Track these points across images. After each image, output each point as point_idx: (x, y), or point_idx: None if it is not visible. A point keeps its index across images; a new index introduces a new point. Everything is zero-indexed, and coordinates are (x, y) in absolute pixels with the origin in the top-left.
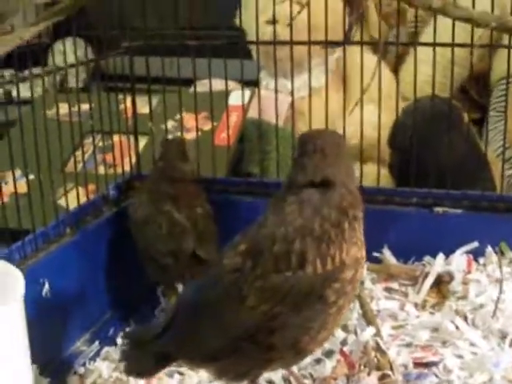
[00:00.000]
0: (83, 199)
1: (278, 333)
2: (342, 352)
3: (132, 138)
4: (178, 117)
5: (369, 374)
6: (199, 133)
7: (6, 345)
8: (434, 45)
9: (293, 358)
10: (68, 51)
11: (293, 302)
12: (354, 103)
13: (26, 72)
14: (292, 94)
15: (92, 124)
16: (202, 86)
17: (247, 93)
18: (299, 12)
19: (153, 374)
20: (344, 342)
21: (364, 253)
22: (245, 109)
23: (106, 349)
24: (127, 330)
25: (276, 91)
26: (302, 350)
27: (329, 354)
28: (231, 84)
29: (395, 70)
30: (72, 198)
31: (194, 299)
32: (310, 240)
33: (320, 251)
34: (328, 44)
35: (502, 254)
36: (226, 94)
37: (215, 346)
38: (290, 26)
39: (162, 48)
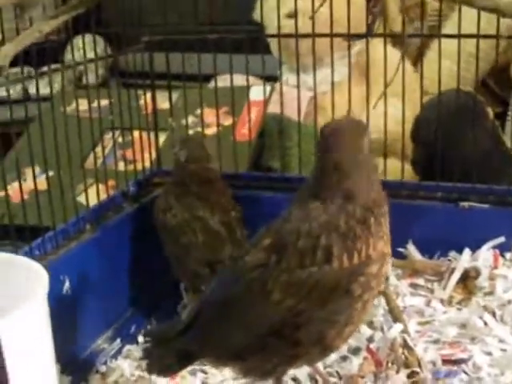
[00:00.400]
0: (103, 196)
1: (303, 328)
2: (368, 349)
3: (152, 134)
4: (198, 112)
5: (397, 372)
6: (220, 128)
7: (31, 342)
8: (458, 36)
9: (319, 353)
10: (86, 47)
11: (318, 296)
12: (375, 97)
13: (44, 68)
14: (314, 88)
15: (112, 120)
16: (222, 82)
17: (267, 88)
18: (321, 5)
19: (175, 372)
20: (370, 339)
21: (389, 248)
22: (265, 104)
23: (127, 347)
24: (149, 327)
25: (298, 86)
26: (328, 346)
27: (355, 351)
28: (251, 79)
29: (416, 64)
30: (92, 195)
31: (218, 296)
32: (336, 235)
33: (346, 245)
34: (350, 37)
35: None
36: (248, 88)
37: (240, 343)
38: (312, 18)
39: (182, 44)
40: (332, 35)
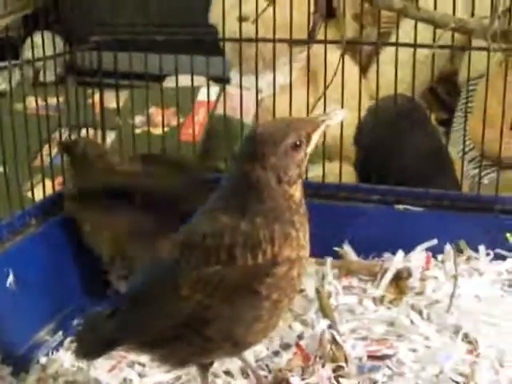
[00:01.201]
0: (50, 192)
1: (211, 323)
2: (297, 345)
3: (100, 133)
4: (145, 112)
5: (323, 366)
6: (166, 128)
7: None
8: (396, 45)
9: (231, 348)
10: (40, 45)
11: (224, 293)
12: (322, 100)
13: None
14: (256, 91)
15: (59, 118)
16: (170, 83)
17: (216, 89)
18: (264, 10)
19: (98, 356)
20: (301, 336)
21: (304, 253)
22: (211, 105)
23: (69, 339)
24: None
25: (241, 87)
26: (239, 342)
27: (286, 346)
28: (201, 80)
29: (364, 70)
30: (39, 192)
31: (137, 285)
32: (239, 235)
33: (250, 245)
34: (293, 42)
35: (460, 251)
36: (194, 88)
37: (156, 332)
38: (256, 23)
39: (132, 43)
40: (275, 40)
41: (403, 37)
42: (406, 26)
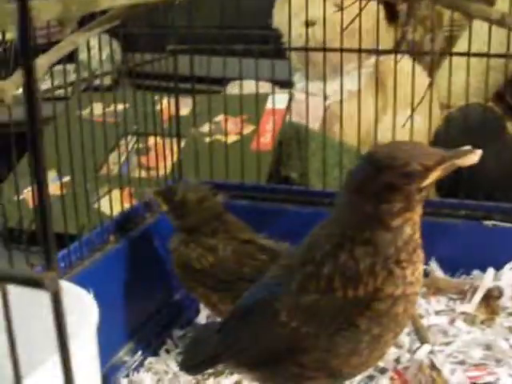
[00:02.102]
0: (123, 203)
1: (307, 352)
2: (395, 370)
3: (170, 141)
4: (215, 119)
5: None
6: (239, 137)
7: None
8: (468, 55)
9: (328, 378)
10: (94, 47)
11: (321, 323)
12: (391, 108)
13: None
14: (324, 98)
15: (135, 125)
16: (235, 87)
17: (283, 96)
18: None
19: (201, 372)
20: (398, 360)
21: (412, 290)
22: (282, 112)
23: (149, 359)
24: (169, 340)
25: (307, 94)
26: (335, 373)
27: (382, 371)
28: (268, 86)
29: (431, 75)
30: (107, 202)
31: (242, 304)
32: (338, 265)
33: (350, 277)
34: (361, 52)
35: None
36: (267, 95)
37: (254, 354)
38: (323, 30)
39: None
40: (342, 50)
41: (466, 43)
42: (474, 28)
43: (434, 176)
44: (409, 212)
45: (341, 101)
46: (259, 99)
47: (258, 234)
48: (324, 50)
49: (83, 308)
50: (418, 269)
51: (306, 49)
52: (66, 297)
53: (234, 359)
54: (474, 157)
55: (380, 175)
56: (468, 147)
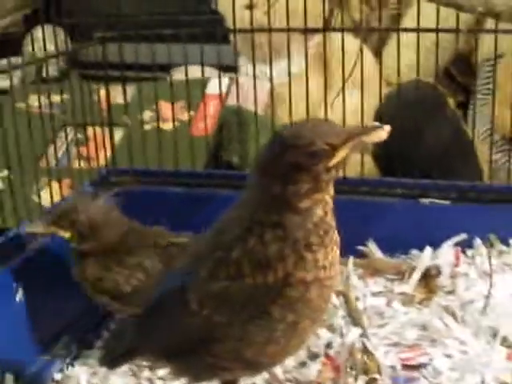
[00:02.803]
0: (57, 196)
1: (220, 342)
2: (326, 355)
3: (109, 130)
4: (154, 107)
5: (356, 379)
6: (177, 123)
7: None
8: (417, 30)
9: (244, 369)
10: (46, 39)
11: (232, 311)
12: (336, 88)
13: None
14: (271, 80)
15: (64, 117)
16: (178, 73)
17: (225, 80)
18: None
19: (119, 365)
20: (329, 345)
21: (325, 274)
22: (223, 98)
23: (84, 353)
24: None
25: (254, 78)
26: (253, 364)
27: (314, 356)
28: (209, 70)
29: (377, 54)
30: (46, 194)
31: (153, 296)
32: (247, 250)
33: (258, 262)
34: (307, 31)
35: (490, 245)
36: (205, 81)
37: (167, 345)
38: (268, 12)
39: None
40: (289, 30)
41: (412, 21)
42: (415, 8)
43: (340, 155)
44: (318, 193)
45: (289, 82)
46: (199, 84)
47: (170, 232)
48: (269, 30)
49: None
50: (332, 252)
51: (251, 30)
52: None
53: (149, 351)
54: (382, 133)
55: (285, 155)
56: (376, 123)
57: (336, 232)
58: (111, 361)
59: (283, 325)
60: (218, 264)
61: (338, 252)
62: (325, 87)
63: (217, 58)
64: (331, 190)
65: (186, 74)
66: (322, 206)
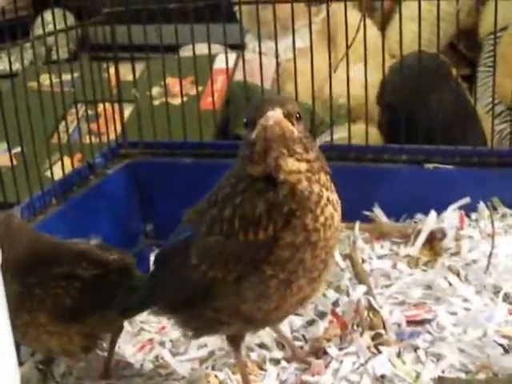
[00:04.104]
0: (69, 169)
1: (218, 297)
2: (333, 313)
3: (117, 106)
4: (163, 83)
5: (362, 334)
6: (185, 98)
7: None
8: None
9: (244, 324)
10: (56, 22)
11: (226, 266)
12: (342, 62)
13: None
14: (276, 55)
15: (75, 93)
16: (187, 52)
17: (233, 56)
18: None
19: (131, 316)
20: (336, 303)
21: (317, 237)
22: (230, 72)
23: None
24: None
25: (260, 53)
26: (249, 319)
27: (321, 315)
28: (218, 48)
29: (383, 28)
30: (58, 169)
31: (163, 251)
32: (237, 208)
33: (248, 220)
34: (311, 1)
35: (494, 209)
36: (211, 56)
37: (172, 298)
38: None
39: (145, 15)
40: (293, 1)
41: None
42: None
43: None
44: (254, 164)
45: (294, 56)
46: (207, 60)
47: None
48: (274, 2)
49: None
50: (324, 214)
51: (256, 2)
52: None
53: (157, 304)
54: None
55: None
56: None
57: (333, 195)
58: (125, 311)
59: (276, 282)
60: (214, 220)
61: (337, 214)
62: (329, 61)
63: (223, 35)
64: (308, 157)
65: (194, 50)
66: (297, 177)
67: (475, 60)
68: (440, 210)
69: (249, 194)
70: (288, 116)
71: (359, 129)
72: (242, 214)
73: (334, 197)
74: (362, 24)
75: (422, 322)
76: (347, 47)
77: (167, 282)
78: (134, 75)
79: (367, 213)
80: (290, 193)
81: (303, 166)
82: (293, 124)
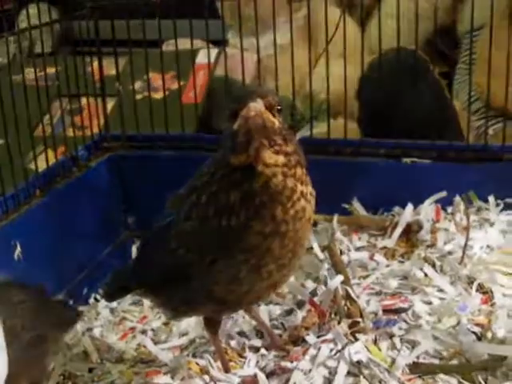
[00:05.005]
0: (53, 162)
1: (192, 279)
2: (311, 301)
3: (100, 100)
4: (145, 77)
5: (339, 322)
6: (167, 92)
7: None
8: None
9: (217, 305)
10: (35, 15)
11: (201, 249)
12: (323, 59)
13: None
14: (258, 50)
15: (59, 86)
16: (169, 46)
17: (215, 51)
18: None
19: (116, 299)
20: (314, 293)
21: (286, 227)
22: (211, 66)
23: (80, 308)
24: (100, 289)
25: (242, 48)
26: (221, 300)
27: (300, 304)
28: (200, 43)
29: (362, 24)
30: (42, 162)
31: (147, 235)
32: (212, 194)
33: (222, 206)
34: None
35: (469, 202)
36: (193, 51)
37: (153, 279)
38: None
39: (128, 10)
40: None
41: None
42: None
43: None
44: (238, 153)
45: (275, 52)
46: (189, 55)
47: None
48: None
49: None
50: (295, 207)
51: None
52: None
53: (140, 286)
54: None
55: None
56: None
57: (307, 188)
58: (110, 295)
59: (246, 266)
60: (190, 206)
61: (310, 206)
62: (309, 57)
63: (206, 31)
64: (282, 149)
65: (176, 45)
66: (273, 171)
67: (453, 57)
68: (417, 203)
69: (225, 183)
70: (269, 107)
71: (339, 124)
72: (217, 201)
73: (309, 190)
74: (342, 20)
75: (397, 311)
76: (327, 43)
77: (149, 265)
78: (118, 69)
79: (346, 205)
80: (264, 185)
81: (281, 160)
82: (274, 115)
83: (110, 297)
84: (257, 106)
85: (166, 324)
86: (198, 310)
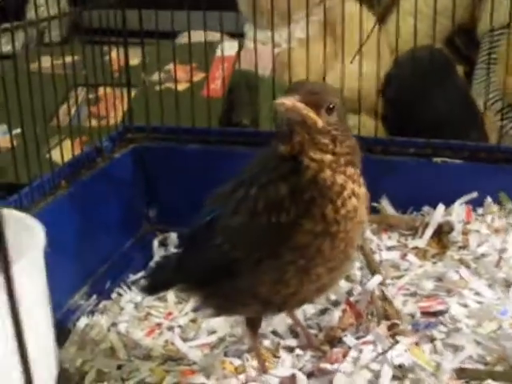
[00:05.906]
0: (70, 153)
1: (237, 277)
2: (347, 301)
3: (120, 91)
4: (166, 68)
5: (378, 324)
6: (188, 85)
7: (29, 299)
8: None
9: (261, 306)
10: (49, 3)
11: (248, 247)
12: (344, 54)
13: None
14: (272, 45)
15: (86, 75)
16: (184, 39)
17: (234, 44)
18: None
19: (157, 293)
20: (350, 292)
21: (337, 228)
22: (232, 59)
23: (103, 303)
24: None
25: (255, 41)
26: (266, 301)
27: (334, 304)
28: (216, 36)
29: (380, 21)
30: (59, 152)
31: (191, 230)
32: (263, 189)
33: (272, 202)
34: None
35: (500, 204)
36: (214, 44)
37: (196, 276)
38: None
39: (150, 1)
40: None
41: None
42: None
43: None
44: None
45: (288, 47)
46: (209, 48)
47: None
48: None
49: (30, 231)
50: (346, 207)
51: None
52: (11, 221)
53: (182, 281)
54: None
55: None
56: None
57: (360, 188)
58: (152, 288)
59: (294, 267)
60: (239, 200)
61: (363, 207)
62: (324, 53)
63: (227, 24)
64: (335, 149)
65: (189, 37)
66: (320, 165)
67: (472, 57)
68: (447, 203)
69: (275, 175)
70: (314, 105)
71: (364, 121)
72: (267, 194)
73: (362, 191)
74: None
75: (435, 314)
76: (343, 42)
77: (192, 261)
78: (144, 60)
79: (375, 204)
80: (312, 179)
81: (328, 157)
82: (318, 114)
83: (151, 291)
84: (288, 102)
85: (193, 321)
86: (242, 310)
